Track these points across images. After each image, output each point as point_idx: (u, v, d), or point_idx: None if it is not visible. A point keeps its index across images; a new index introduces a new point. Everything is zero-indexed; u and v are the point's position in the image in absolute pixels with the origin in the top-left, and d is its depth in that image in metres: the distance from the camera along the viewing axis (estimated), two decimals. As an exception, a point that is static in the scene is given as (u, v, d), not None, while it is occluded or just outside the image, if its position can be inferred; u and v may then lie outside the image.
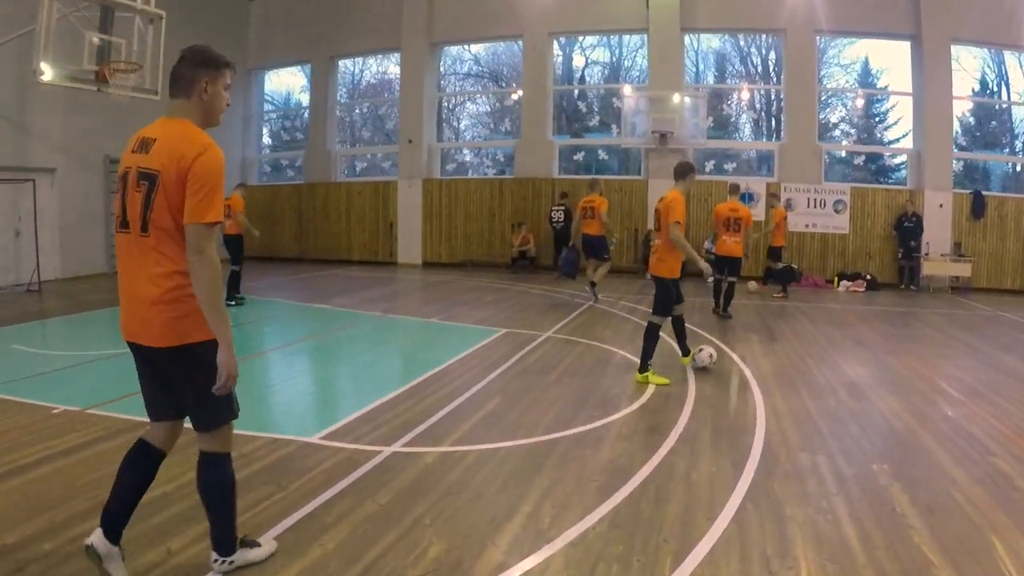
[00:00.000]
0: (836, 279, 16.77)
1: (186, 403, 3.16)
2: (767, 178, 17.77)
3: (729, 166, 18.05)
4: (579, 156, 19.16)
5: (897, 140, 19.02)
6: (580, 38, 20.07)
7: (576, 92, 20.15)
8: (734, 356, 8.83)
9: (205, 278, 2.91)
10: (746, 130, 19.57)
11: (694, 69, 19.41)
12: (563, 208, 17.33)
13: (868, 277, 16.69)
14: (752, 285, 14.92)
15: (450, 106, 21.88)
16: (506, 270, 17.99)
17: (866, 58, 18.85)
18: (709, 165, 17.94)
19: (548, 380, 7.48)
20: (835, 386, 7.46)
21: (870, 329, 11.22)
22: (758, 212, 16.19)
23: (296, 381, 7.30)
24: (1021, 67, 18.88)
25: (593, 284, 12.80)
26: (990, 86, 19.02)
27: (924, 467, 5.14)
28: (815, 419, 6.26)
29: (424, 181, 19.52)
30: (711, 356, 7.85)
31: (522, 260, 17.90)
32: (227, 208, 11.63)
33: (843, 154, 18.90)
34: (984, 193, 17.64)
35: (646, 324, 7.54)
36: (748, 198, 16.88)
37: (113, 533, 3.15)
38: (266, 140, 24.20)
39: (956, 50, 17.43)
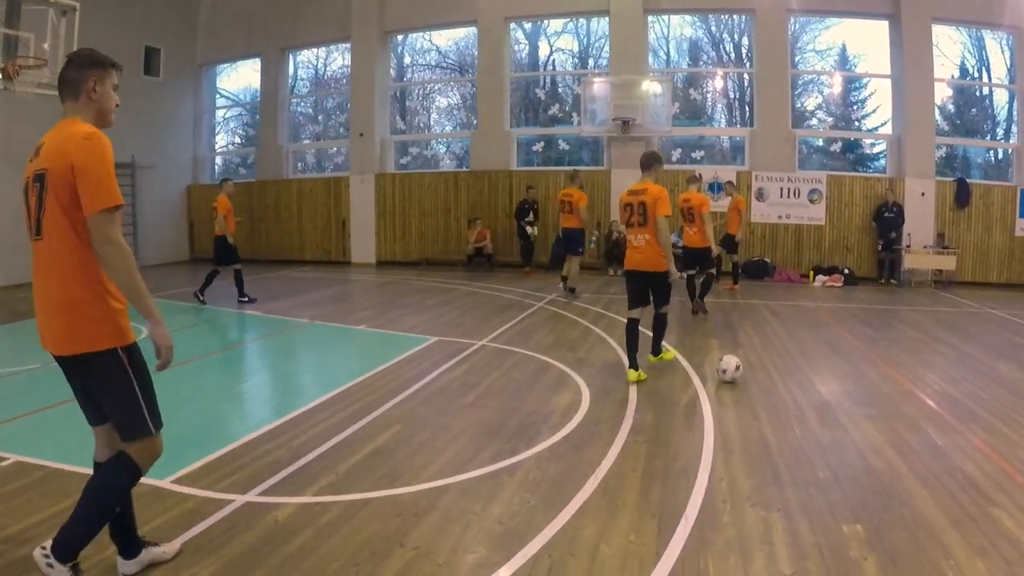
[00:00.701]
0: (811, 273, 15.45)
1: (104, 410, 3.07)
2: (739, 167, 16.36)
3: (698, 154, 16.64)
4: (539, 147, 17.68)
5: (876, 129, 17.65)
6: (544, 24, 18.58)
7: (542, 80, 18.64)
8: (688, 368, 7.51)
9: (117, 266, 2.83)
10: (720, 118, 18.18)
11: (664, 56, 17.99)
12: (532, 206, 16.01)
13: (846, 271, 15.38)
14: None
15: (419, 98, 20.28)
16: (463, 268, 16.53)
17: (843, 45, 17.51)
18: (676, 153, 16.50)
19: (463, 403, 6.24)
20: (802, 408, 6.14)
21: (847, 331, 9.90)
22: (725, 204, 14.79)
23: (181, 408, 5.86)
24: (1002, 51, 17.59)
25: (565, 279, 12.38)
26: (971, 72, 17.70)
27: (909, 528, 3.86)
28: (774, 457, 4.96)
29: (377, 176, 18.11)
30: (737, 367, 6.82)
31: (479, 257, 16.51)
32: (213, 210, 11.63)
33: (820, 143, 17.54)
34: (968, 181, 16.36)
35: (655, 315, 7.32)
36: (717, 188, 15.52)
37: (128, 549, 3.29)
38: (223, 138, 22.58)
39: (936, 34, 16.13)
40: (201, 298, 11.58)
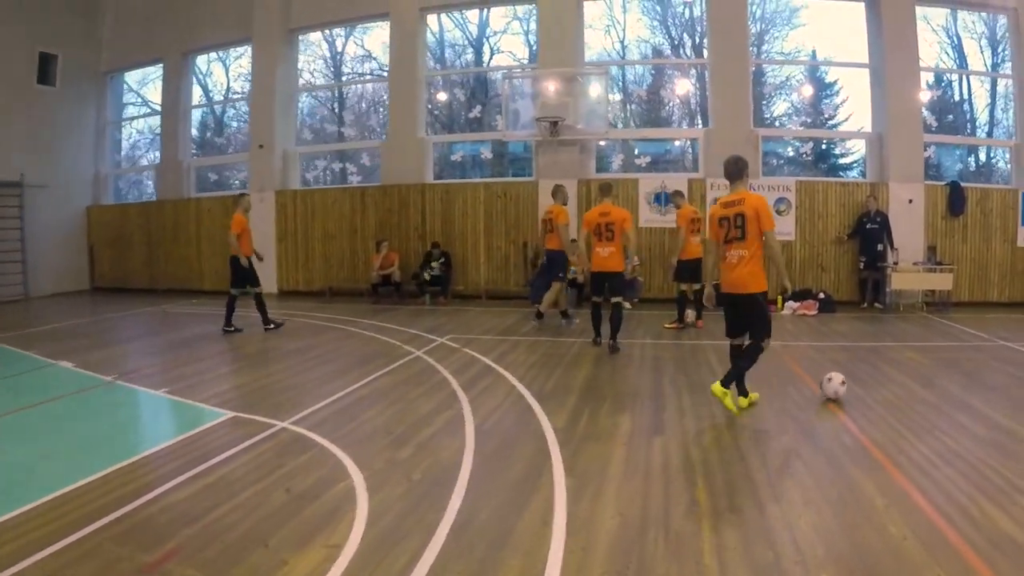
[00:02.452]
0: (779, 299, 12.12)
1: None
2: (691, 174, 13.07)
3: (642, 160, 13.36)
4: (458, 156, 14.40)
5: (853, 129, 14.37)
6: (484, 18, 15.31)
7: (463, 80, 15.36)
8: (552, 449, 4.34)
9: None
10: (682, 125, 14.82)
11: (619, 54, 14.69)
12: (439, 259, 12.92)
13: (821, 295, 12.12)
14: (689, 317, 10.43)
15: (359, 103, 16.91)
16: (369, 298, 13.22)
17: (813, 51, 14.23)
18: (617, 161, 13.21)
19: (143, 560, 3.31)
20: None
21: (811, 391, 6.67)
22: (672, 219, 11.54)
23: None
24: (981, 51, 14.53)
25: (540, 315, 10.38)
26: (946, 76, 14.55)
27: None
28: None
29: (277, 193, 14.82)
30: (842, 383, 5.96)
31: (385, 286, 13.16)
32: (229, 228, 10.34)
33: (789, 152, 14.24)
34: (963, 185, 13.11)
35: (747, 346, 5.85)
36: (665, 200, 12.25)
37: None
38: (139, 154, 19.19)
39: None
40: (230, 329, 10.21)
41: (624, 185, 12.59)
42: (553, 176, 12.63)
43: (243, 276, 10.22)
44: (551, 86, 12.65)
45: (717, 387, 5.53)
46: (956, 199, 13.10)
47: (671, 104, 14.47)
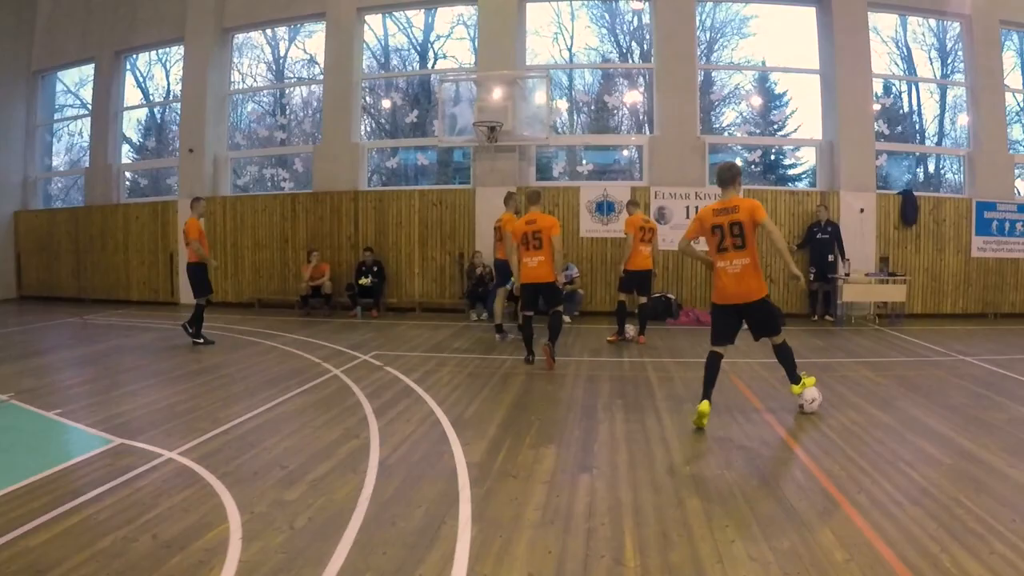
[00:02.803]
0: (728, 313, 11.40)
1: None
2: (635, 182, 12.33)
3: (584, 168, 12.59)
4: (393, 162, 13.53)
5: (797, 136, 13.72)
6: (410, 20, 14.45)
7: (399, 84, 14.48)
8: (462, 490, 3.64)
9: None
10: (626, 128, 14.11)
11: (566, 62, 13.92)
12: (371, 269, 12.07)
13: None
14: (630, 332, 9.66)
15: (305, 108, 15.90)
16: (299, 311, 12.30)
17: (763, 61, 13.57)
18: (558, 168, 12.42)
19: None
20: None
21: (774, 419, 5.85)
22: (619, 228, 10.81)
23: None
24: (931, 62, 14.07)
25: (500, 326, 9.84)
26: (897, 86, 14.02)
27: None
28: None
29: (207, 200, 13.75)
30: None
31: (315, 297, 12.25)
32: (184, 235, 9.69)
33: (737, 163, 13.55)
34: (916, 194, 12.55)
35: (777, 347, 5.87)
36: (608, 208, 11.50)
37: None
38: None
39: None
40: (200, 341, 9.38)
41: (565, 194, 11.82)
42: (491, 184, 11.83)
43: (204, 282, 9.50)
44: (490, 90, 11.85)
45: (795, 388, 5.82)
46: (909, 208, 12.52)
47: (619, 112, 13.74)
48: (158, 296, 14.45)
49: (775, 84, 13.98)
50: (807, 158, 13.71)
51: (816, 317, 11.73)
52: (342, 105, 13.11)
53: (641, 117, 13.31)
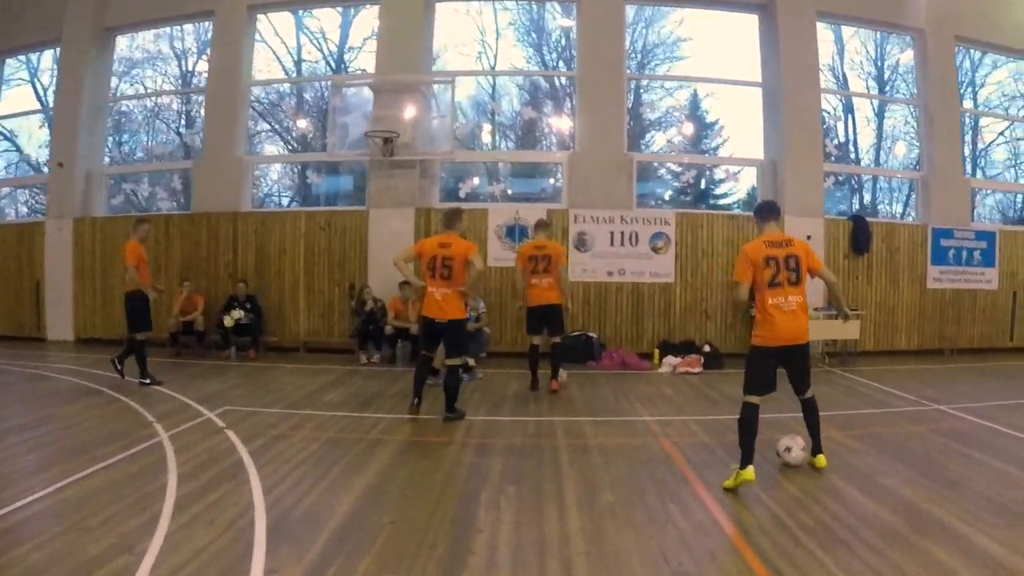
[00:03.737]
0: (656, 353, 9.29)
1: None
2: (552, 204, 10.15)
3: (497, 189, 10.39)
4: (283, 179, 11.21)
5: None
6: (323, 28, 12.19)
7: (291, 90, 12.14)
8: None
9: None
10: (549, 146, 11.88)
11: (489, 82, 11.76)
12: (242, 304, 9.82)
13: (706, 348, 9.26)
14: (563, 376, 7.67)
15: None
16: (170, 348, 9.89)
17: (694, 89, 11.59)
18: (466, 187, 10.19)
19: None
20: None
21: (704, 507, 3.68)
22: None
23: None
24: (867, 87, 12.35)
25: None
26: (832, 113, 12.18)
27: None
28: None
29: (75, 222, 11.33)
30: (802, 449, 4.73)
31: (186, 335, 9.83)
32: (122, 259, 7.81)
33: (666, 195, 11.52)
34: (868, 220, 10.63)
35: (805, 402, 4.85)
36: (520, 234, 9.33)
37: None
38: None
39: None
40: (147, 382, 7.52)
41: (472, 217, 9.63)
42: (387, 204, 9.61)
43: (140, 316, 7.62)
44: (388, 98, 9.65)
45: (821, 459, 4.70)
46: (860, 235, 10.58)
47: (545, 137, 11.58)
48: (23, 331, 11.85)
49: (707, 112, 11.96)
50: (743, 184, 11.71)
51: (758, 358, 9.62)
52: (227, 114, 10.81)
53: (568, 141, 11.20)
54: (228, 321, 9.48)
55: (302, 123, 11.34)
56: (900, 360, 10.14)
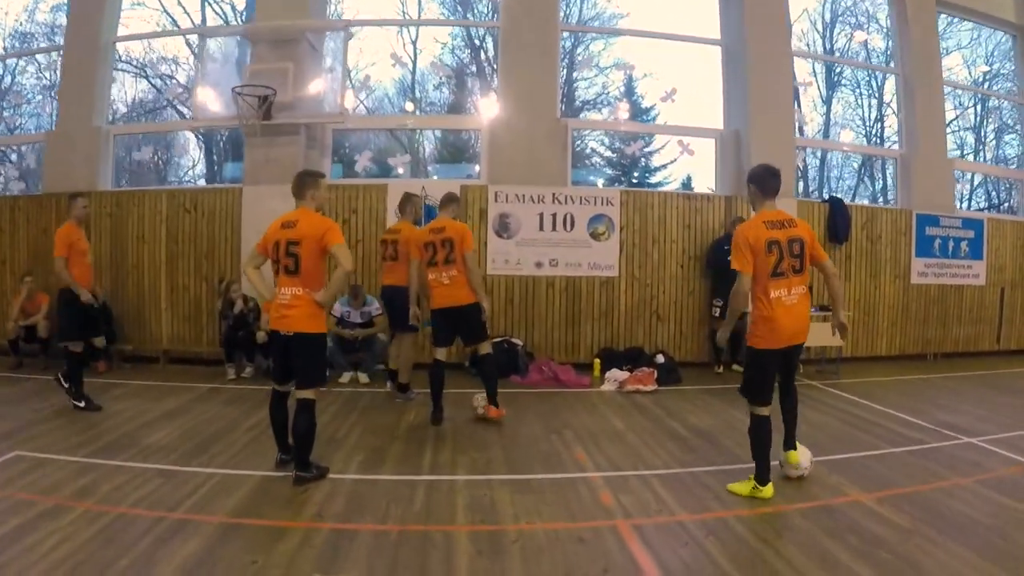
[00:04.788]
0: (597, 365, 6.83)
1: None
2: (465, 181, 7.62)
3: (400, 162, 7.82)
4: (144, 154, 8.47)
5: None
6: None
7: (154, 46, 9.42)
8: None
9: None
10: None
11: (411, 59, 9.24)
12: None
13: (659, 359, 6.81)
14: (478, 401, 5.33)
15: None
16: (12, 357, 7.29)
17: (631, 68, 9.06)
18: (363, 161, 7.60)
19: None
20: None
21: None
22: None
23: None
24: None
25: (395, 381, 5.93)
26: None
27: None
28: None
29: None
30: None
31: (29, 341, 7.16)
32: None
33: (603, 152, 9.14)
34: (847, 203, 8.29)
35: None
36: (427, 215, 6.81)
37: None
38: None
39: None
40: (81, 405, 5.29)
41: (366, 194, 7.08)
42: (266, 180, 7.01)
43: (73, 321, 5.37)
44: (266, 50, 7.08)
45: (794, 455, 3.78)
46: (839, 221, 8.22)
47: (469, 93, 9.01)
48: None
49: (642, 98, 9.48)
50: (680, 165, 9.23)
51: (720, 368, 7.21)
52: (84, 77, 8.13)
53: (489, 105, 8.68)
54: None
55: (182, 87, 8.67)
56: (883, 368, 7.84)
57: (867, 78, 10.24)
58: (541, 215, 7.19)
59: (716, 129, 8.28)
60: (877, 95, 10.25)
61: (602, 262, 7.26)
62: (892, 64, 9.51)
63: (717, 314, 7.29)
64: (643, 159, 9.38)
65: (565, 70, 8.34)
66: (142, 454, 4.24)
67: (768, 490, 3.50)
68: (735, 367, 7.33)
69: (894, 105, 9.60)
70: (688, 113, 8.36)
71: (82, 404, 5.30)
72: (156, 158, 8.63)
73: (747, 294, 3.44)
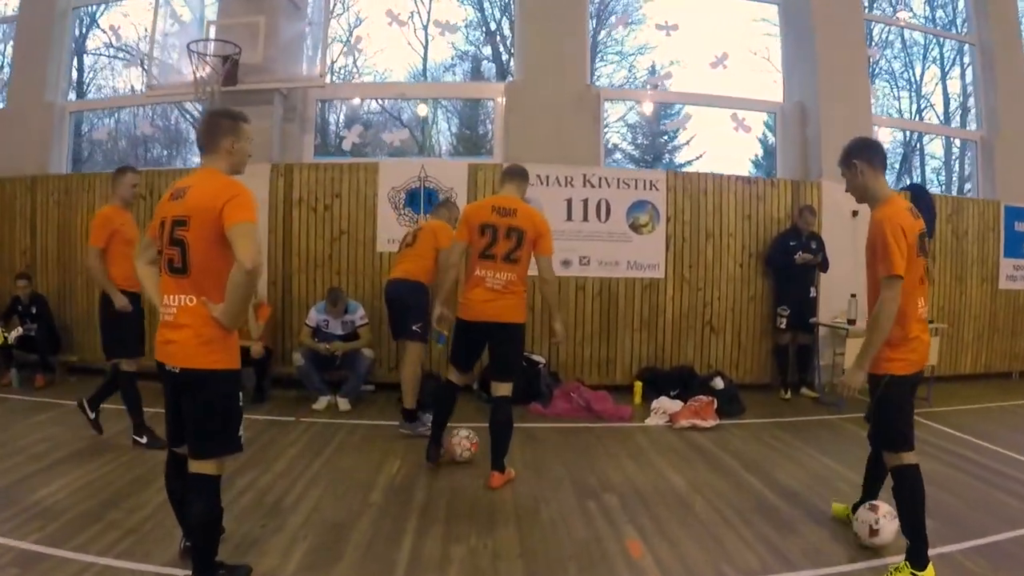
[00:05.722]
0: (639, 390, 4.90)
1: None
2: (478, 158, 5.76)
3: (395, 137, 5.99)
4: (100, 132, 6.72)
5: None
6: None
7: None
8: None
9: None
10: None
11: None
12: (24, 309, 5.53)
13: (717, 383, 4.86)
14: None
15: None
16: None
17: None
18: (352, 136, 5.76)
19: None
20: None
21: None
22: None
23: None
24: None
25: (411, 417, 4.08)
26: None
27: None
28: None
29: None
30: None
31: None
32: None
33: (630, 138, 7.19)
34: (930, 190, 6.31)
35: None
36: (428, 200, 4.98)
37: None
38: None
39: None
40: (143, 441, 3.72)
41: (352, 175, 5.28)
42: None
43: (116, 331, 3.73)
44: (230, 2, 5.31)
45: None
46: (923, 213, 6.15)
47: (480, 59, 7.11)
48: None
49: (672, 68, 7.44)
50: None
51: (787, 393, 5.31)
52: (39, 46, 6.43)
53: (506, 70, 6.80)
54: (13, 331, 5.20)
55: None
56: (970, 390, 5.90)
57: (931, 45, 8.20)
58: (569, 201, 5.33)
59: (774, 102, 6.36)
60: (939, 65, 8.18)
61: (644, 260, 5.38)
62: (966, 31, 7.52)
63: (784, 325, 5.41)
64: (678, 136, 7.36)
65: (593, 29, 6.44)
66: (13, 520, 2.62)
67: (929, 572, 2.31)
68: (805, 391, 5.46)
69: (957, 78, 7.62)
70: (739, 84, 6.46)
71: (144, 440, 3.69)
72: (113, 137, 6.89)
73: (897, 305, 2.31)
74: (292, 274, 5.27)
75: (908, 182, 7.10)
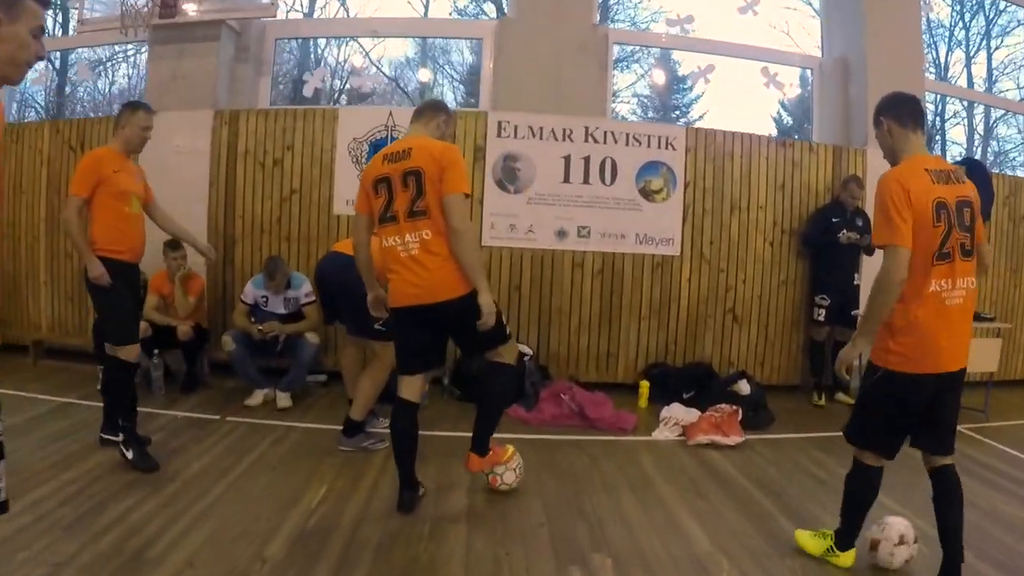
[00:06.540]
0: (645, 391, 3.68)
1: None
2: (467, 109, 4.51)
3: (363, 83, 4.78)
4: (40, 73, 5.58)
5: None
6: None
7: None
8: None
9: None
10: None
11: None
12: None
13: (743, 388, 3.61)
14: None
15: None
16: None
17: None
18: (315, 82, 4.56)
19: None
20: None
21: None
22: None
23: None
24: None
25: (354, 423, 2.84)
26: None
27: None
28: None
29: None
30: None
31: None
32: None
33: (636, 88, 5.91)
34: (987, 166, 4.94)
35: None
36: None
37: None
38: None
39: None
40: (130, 456, 2.51)
41: (308, 123, 4.09)
42: (172, 106, 4.06)
43: (112, 309, 2.55)
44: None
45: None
46: (980, 192, 4.89)
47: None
48: None
49: (679, 64, 6.10)
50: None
51: (821, 399, 4.09)
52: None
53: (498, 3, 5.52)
54: None
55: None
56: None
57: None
58: (567, 159, 4.09)
59: (814, 57, 5.07)
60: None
61: (657, 233, 4.14)
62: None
63: (822, 317, 4.18)
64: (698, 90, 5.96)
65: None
66: None
67: (848, 558, 1.98)
68: (840, 396, 4.24)
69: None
70: (768, 36, 5.16)
71: (130, 455, 2.52)
72: (50, 81, 5.74)
73: (902, 281, 1.72)
74: (235, 240, 4.12)
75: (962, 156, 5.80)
